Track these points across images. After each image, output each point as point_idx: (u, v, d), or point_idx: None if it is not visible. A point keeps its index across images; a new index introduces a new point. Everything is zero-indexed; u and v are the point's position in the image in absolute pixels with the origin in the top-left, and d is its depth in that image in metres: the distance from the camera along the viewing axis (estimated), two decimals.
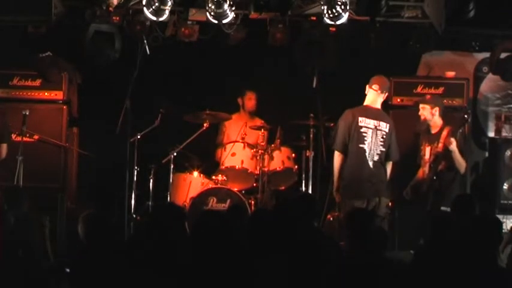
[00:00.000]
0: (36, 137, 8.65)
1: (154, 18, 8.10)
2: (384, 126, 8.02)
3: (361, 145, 7.91)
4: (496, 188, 9.12)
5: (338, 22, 8.07)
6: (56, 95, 8.86)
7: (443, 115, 8.26)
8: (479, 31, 8.79)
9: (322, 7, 8.04)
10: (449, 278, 5.04)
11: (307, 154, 8.84)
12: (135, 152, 8.78)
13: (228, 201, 8.62)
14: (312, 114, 8.79)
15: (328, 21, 8.08)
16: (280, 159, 8.96)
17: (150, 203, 8.86)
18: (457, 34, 8.79)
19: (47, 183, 8.56)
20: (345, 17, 8.03)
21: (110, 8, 8.20)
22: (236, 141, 9.03)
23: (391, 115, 8.72)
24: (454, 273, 5.03)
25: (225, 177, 8.93)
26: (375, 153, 7.97)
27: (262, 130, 9.11)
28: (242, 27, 8.61)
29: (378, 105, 8.09)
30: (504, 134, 9.57)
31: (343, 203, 7.93)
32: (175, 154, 8.90)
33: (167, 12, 8.06)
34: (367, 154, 7.92)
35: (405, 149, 8.47)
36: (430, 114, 8.21)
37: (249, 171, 8.92)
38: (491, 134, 9.69)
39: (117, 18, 8.35)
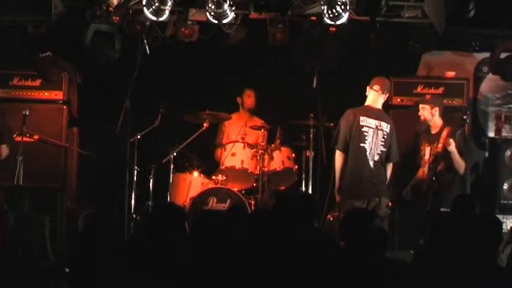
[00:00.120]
0: (36, 137, 8.66)
1: (154, 18, 8.10)
2: (385, 127, 8.04)
3: (362, 144, 7.92)
4: (496, 188, 9.12)
5: (338, 22, 8.08)
6: (56, 95, 8.86)
7: (443, 115, 8.26)
8: (479, 31, 8.80)
9: (322, 7, 8.04)
10: (449, 278, 5.03)
11: (307, 154, 8.84)
12: (135, 152, 8.78)
13: (228, 201, 8.62)
14: (312, 114, 8.78)
15: (328, 21, 8.09)
16: (280, 159, 8.96)
17: (150, 203, 8.86)
18: (457, 34, 8.79)
19: (47, 183, 8.56)
20: (345, 17, 8.03)
21: (110, 8, 8.20)
22: (236, 141, 9.03)
23: (391, 115, 8.72)
24: (454, 273, 5.03)
25: (225, 177, 8.93)
26: (376, 153, 7.98)
27: (262, 130, 9.11)
28: (242, 27, 8.61)
29: (379, 106, 8.10)
30: (504, 134, 9.57)
31: (343, 202, 7.93)
32: (175, 154, 8.90)
33: (167, 12, 8.07)
34: (368, 153, 7.92)
35: (405, 149, 8.47)
36: (430, 115, 8.21)
37: (249, 171, 8.92)
38: (491, 134, 9.69)
39: (117, 18, 8.36)
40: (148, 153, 8.95)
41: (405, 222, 8.50)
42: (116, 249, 5.26)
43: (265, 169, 8.88)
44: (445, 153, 7.98)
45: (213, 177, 8.97)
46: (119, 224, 8.38)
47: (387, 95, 8.19)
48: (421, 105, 8.29)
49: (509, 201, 9.08)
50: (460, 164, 8.06)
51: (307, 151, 8.84)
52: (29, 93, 8.83)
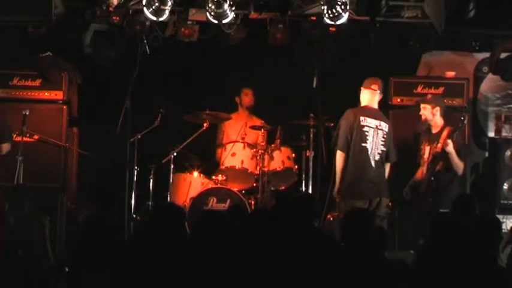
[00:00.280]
0: (36, 137, 8.66)
1: (154, 18, 8.10)
2: (384, 126, 8.06)
3: (363, 144, 7.94)
4: (496, 188, 9.12)
5: (338, 22, 8.08)
6: (56, 95, 8.86)
7: (444, 115, 8.25)
8: (479, 31, 8.80)
9: (322, 7, 8.04)
10: (449, 278, 5.03)
11: (307, 154, 8.84)
12: (135, 152, 8.78)
13: (228, 201, 8.62)
14: (312, 114, 8.78)
15: (328, 21, 8.09)
16: (280, 159, 8.96)
17: (150, 203, 8.86)
18: (457, 34, 8.79)
19: (47, 183, 8.56)
20: (345, 17, 8.03)
21: (110, 8, 8.21)
22: (236, 141, 9.02)
23: (391, 115, 8.74)
24: (454, 273, 5.03)
25: (225, 177, 8.93)
26: (377, 153, 7.99)
27: (262, 130, 9.11)
28: (242, 27, 8.61)
29: (376, 106, 8.12)
30: (504, 134, 9.57)
31: (343, 203, 7.93)
32: (175, 154, 8.90)
33: (167, 12, 8.07)
34: (369, 153, 7.95)
35: (405, 149, 8.47)
36: (431, 114, 8.21)
37: (249, 171, 8.92)
38: (491, 134, 9.68)
39: (117, 18, 8.36)
40: (148, 153, 8.95)
41: (405, 222, 8.50)
42: (116, 249, 5.26)
43: (265, 169, 8.88)
44: (444, 154, 7.98)
45: (213, 177, 8.98)
46: (119, 224, 8.38)
47: (382, 95, 8.21)
48: (422, 105, 8.28)
49: (509, 201, 9.08)
50: (458, 164, 8.04)
51: (307, 151, 8.84)
52: (29, 93, 8.83)
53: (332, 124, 8.48)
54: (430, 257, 5.28)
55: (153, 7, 7.98)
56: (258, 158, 8.89)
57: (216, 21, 8.15)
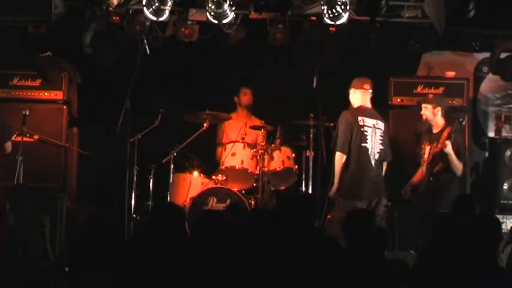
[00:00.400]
0: (36, 137, 8.65)
1: (154, 18, 8.10)
2: (381, 125, 8.11)
3: (363, 144, 7.95)
4: (496, 188, 9.11)
5: (338, 22, 8.08)
6: (56, 95, 8.86)
7: (446, 115, 8.24)
8: (479, 31, 8.80)
9: (322, 7, 8.05)
10: (449, 278, 5.03)
11: (307, 154, 8.84)
12: (135, 152, 8.78)
13: (228, 201, 8.61)
14: (312, 114, 8.78)
15: (328, 21, 8.09)
16: (280, 159, 8.96)
17: (150, 203, 8.86)
18: (457, 34, 8.79)
19: (47, 183, 8.56)
20: (345, 17, 8.03)
21: (110, 8, 8.21)
22: (236, 141, 9.02)
23: (391, 115, 8.74)
24: (454, 273, 5.03)
25: (225, 177, 8.93)
26: (376, 152, 8.01)
27: (262, 130, 9.11)
28: (242, 27, 8.61)
29: (370, 105, 8.13)
30: (504, 134, 9.57)
31: (342, 202, 7.93)
32: (175, 154, 8.91)
33: (167, 12, 8.07)
34: (369, 153, 7.95)
35: (405, 149, 8.47)
36: (432, 114, 8.19)
37: (249, 171, 8.92)
38: (491, 134, 9.68)
39: (117, 18, 8.36)
40: (148, 153, 8.95)
41: (405, 222, 8.49)
42: (116, 249, 5.26)
43: (265, 169, 8.88)
44: (444, 154, 7.96)
45: (213, 177, 8.98)
46: (119, 224, 8.38)
47: (372, 93, 8.21)
48: (423, 105, 8.27)
49: (509, 201, 9.08)
50: (457, 165, 8.01)
51: (307, 151, 8.84)
52: (29, 93, 8.83)
53: (332, 124, 8.47)
54: (430, 257, 5.28)
55: (153, 7, 7.98)
56: (258, 158, 8.89)
57: (216, 21, 8.15)
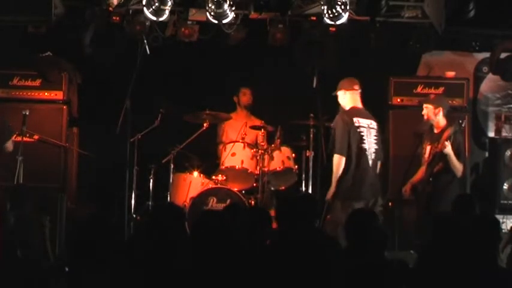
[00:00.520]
0: (36, 137, 8.66)
1: (154, 18, 8.10)
2: (374, 125, 8.09)
3: (361, 145, 7.94)
4: (496, 188, 9.12)
5: (338, 22, 8.09)
6: (56, 95, 8.86)
7: (447, 116, 8.23)
8: (479, 31, 8.79)
9: (322, 7, 8.05)
10: (449, 278, 5.03)
11: (307, 154, 8.84)
12: (135, 152, 8.79)
13: (228, 201, 8.60)
14: (312, 114, 8.78)
15: (328, 21, 8.09)
16: (280, 159, 8.96)
17: (150, 203, 8.86)
18: (457, 34, 8.79)
19: (47, 183, 8.56)
20: (345, 17, 8.03)
21: (110, 8, 8.21)
22: (236, 141, 9.02)
23: (391, 115, 8.74)
24: (454, 273, 5.03)
25: (225, 177, 8.93)
26: (372, 152, 8.01)
27: (262, 130, 9.11)
28: (242, 27, 8.62)
29: (361, 105, 8.12)
30: (504, 134, 9.57)
31: (339, 204, 7.92)
32: (175, 154, 8.91)
33: (167, 12, 8.07)
34: (367, 153, 7.94)
35: (405, 149, 8.47)
36: (433, 114, 8.18)
37: (249, 171, 8.92)
38: (491, 134, 9.68)
39: (117, 18, 8.36)
40: (148, 153, 8.96)
41: (405, 222, 8.49)
42: (116, 249, 5.26)
43: (265, 169, 8.88)
44: (444, 154, 7.96)
45: (213, 177, 8.98)
46: (119, 224, 8.38)
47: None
48: (424, 105, 8.26)
49: (509, 201, 9.09)
50: (456, 166, 7.99)
51: (307, 151, 8.84)
52: (29, 93, 8.83)
53: (332, 124, 8.47)
54: (430, 257, 5.28)
55: (153, 7, 7.98)
56: (258, 158, 8.89)
57: (216, 21, 8.15)
